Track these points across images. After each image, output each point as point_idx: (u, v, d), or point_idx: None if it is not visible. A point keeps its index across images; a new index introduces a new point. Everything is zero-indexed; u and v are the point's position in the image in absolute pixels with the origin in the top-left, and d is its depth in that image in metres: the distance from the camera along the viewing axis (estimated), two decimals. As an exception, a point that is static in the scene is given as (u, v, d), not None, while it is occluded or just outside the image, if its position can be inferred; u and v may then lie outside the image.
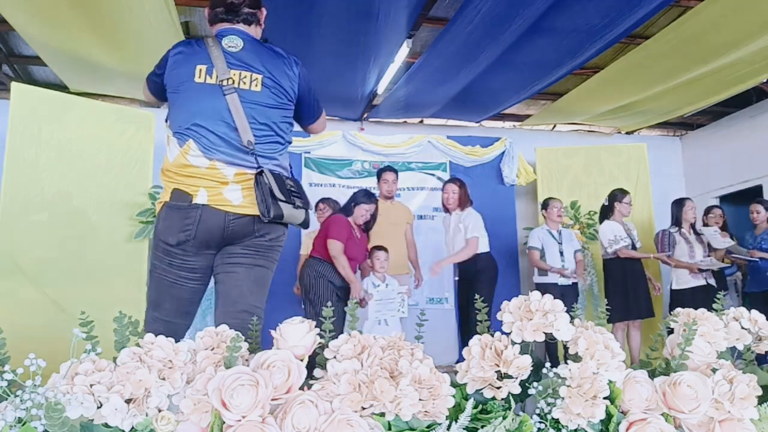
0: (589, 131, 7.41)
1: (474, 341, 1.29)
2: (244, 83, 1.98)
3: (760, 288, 4.87)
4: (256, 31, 2.12)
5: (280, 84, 2.03)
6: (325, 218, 4.42)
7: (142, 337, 1.15)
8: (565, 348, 1.30)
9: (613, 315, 4.38)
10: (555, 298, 1.31)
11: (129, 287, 4.39)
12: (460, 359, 1.29)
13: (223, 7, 2.07)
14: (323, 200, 5.06)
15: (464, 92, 5.53)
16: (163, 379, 1.09)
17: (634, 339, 4.82)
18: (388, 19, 4.13)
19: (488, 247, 4.51)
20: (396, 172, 4.92)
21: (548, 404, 1.21)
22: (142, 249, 4.67)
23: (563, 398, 1.19)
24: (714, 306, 1.56)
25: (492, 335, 1.30)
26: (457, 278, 4.86)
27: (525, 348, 1.25)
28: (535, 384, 1.23)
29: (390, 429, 1.10)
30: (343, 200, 4.50)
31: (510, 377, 1.22)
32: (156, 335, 1.16)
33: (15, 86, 4.32)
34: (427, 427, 1.14)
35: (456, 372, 1.28)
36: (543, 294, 1.32)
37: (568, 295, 4.66)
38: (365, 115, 6.51)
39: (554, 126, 7.30)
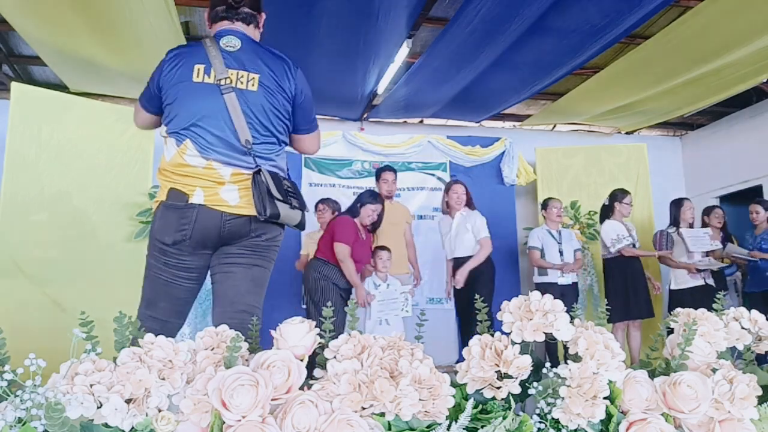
0: (589, 131, 7.40)
1: (474, 341, 1.28)
2: (242, 83, 1.98)
3: (760, 288, 4.87)
4: (254, 33, 2.12)
5: (278, 85, 2.03)
6: (331, 219, 4.39)
7: (142, 337, 1.15)
8: (565, 348, 1.30)
9: (613, 315, 4.39)
10: (555, 298, 1.31)
11: (129, 287, 4.32)
12: (460, 359, 1.29)
13: (223, 5, 2.07)
14: (323, 201, 5.05)
15: (464, 92, 5.53)
16: (163, 379, 1.08)
17: (634, 339, 4.83)
18: (388, 19, 4.13)
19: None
20: (395, 171, 4.91)
21: (548, 404, 1.21)
22: (142, 249, 4.58)
23: (563, 398, 1.19)
24: (714, 306, 1.56)
25: (492, 335, 1.30)
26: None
27: (525, 348, 1.25)
28: (535, 384, 1.22)
29: (390, 429, 1.10)
30: (343, 200, 4.50)
31: (510, 377, 1.21)
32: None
33: (15, 86, 4.33)
34: (427, 427, 1.13)
35: (456, 372, 1.27)
36: (543, 294, 1.31)
37: (568, 295, 4.67)
38: (365, 115, 6.50)
39: (554, 126, 7.29)
